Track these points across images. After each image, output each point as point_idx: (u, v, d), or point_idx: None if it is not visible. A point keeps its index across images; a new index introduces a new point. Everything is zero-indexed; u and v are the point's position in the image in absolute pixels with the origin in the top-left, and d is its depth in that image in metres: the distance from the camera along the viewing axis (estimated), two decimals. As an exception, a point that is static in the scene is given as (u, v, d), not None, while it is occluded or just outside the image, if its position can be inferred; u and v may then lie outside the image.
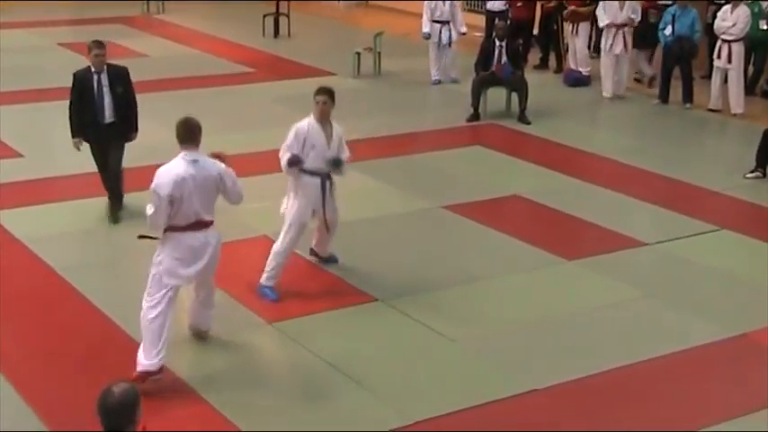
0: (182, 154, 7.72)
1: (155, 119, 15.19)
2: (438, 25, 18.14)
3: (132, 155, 13.78)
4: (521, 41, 18.42)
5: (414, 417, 7.49)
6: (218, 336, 8.57)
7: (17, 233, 10.77)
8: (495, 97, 16.12)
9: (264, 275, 9.34)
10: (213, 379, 7.97)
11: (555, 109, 16.65)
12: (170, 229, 7.74)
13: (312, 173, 9.34)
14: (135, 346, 8.40)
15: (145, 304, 7.82)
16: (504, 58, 15.78)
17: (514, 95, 16.01)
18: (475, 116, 15.83)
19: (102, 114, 11.10)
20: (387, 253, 10.59)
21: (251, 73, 19.10)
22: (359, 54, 18.82)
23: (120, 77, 11.20)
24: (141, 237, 8.13)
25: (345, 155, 9.52)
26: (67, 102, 11.25)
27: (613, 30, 17.25)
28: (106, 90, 11.07)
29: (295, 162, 9.21)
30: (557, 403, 7.76)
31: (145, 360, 7.72)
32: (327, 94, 9.28)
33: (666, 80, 17.03)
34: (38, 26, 23.03)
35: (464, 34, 18.49)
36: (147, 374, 7.68)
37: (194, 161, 7.69)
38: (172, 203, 7.58)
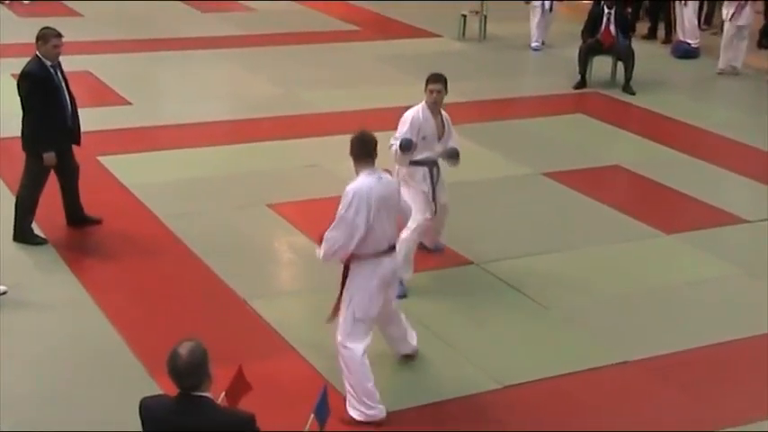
0: (365, 172, 6.91)
1: (259, 74, 15.44)
2: None
3: (237, 107, 14.00)
4: (630, 10, 18.15)
5: (504, 381, 7.54)
6: (313, 289, 8.67)
7: (122, 179, 11.01)
8: (601, 66, 15.94)
9: None
10: (302, 329, 8.09)
11: (661, 80, 16.40)
12: (359, 257, 6.94)
13: (419, 163, 8.84)
14: (233, 295, 8.61)
15: (345, 346, 6.98)
16: (612, 26, 15.58)
17: (620, 65, 15.81)
18: (582, 83, 15.68)
19: (68, 117, 9.45)
20: (484, 217, 10.61)
21: (356, 31, 19.15)
22: (465, 17, 18.75)
23: (63, 72, 9.52)
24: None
25: (456, 144, 9.06)
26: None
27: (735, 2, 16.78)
28: (64, 87, 9.42)
29: (408, 146, 8.59)
30: (648, 376, 7.73)
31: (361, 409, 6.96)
32: (443, 82, 8.76)
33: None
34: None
35: None
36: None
37: (380, 178, 6.94)
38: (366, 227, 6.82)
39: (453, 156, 9.01)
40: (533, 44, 18.24)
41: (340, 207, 6.83)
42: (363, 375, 6.92)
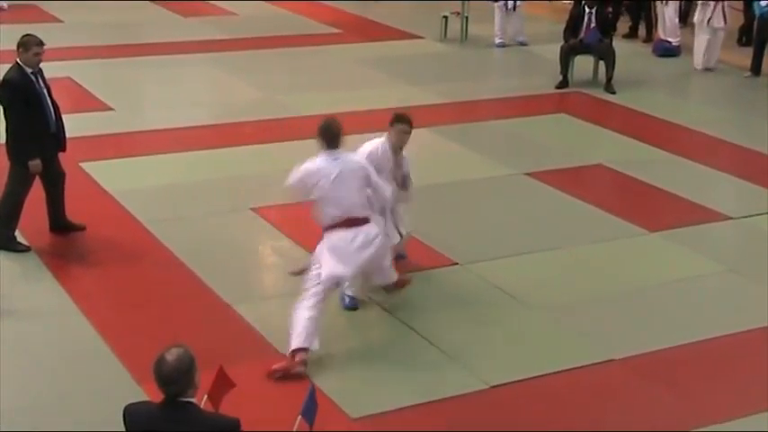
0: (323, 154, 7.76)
1: (241, 78, 15.42)
2: None
3: (219, 111, 13.98)
4: (610, 9, 18.20)
5: (490, 381, 7.54)
6: (297, 292, 8.65)
7: (105, 185, 10.98)
8: (583, 65, 15.97)
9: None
10: (287, 333, 8.02)
11: (642, 79, 16.44)
12: (327, 228, 7.79)
13: None
14: (217, 299, 8.60)
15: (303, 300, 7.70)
16: (593, 26, 15.63)
17: (602, 64, 15.84)
18: (564, 83, 15.71)
19: (51, 123, 9.43)
20: (468, 218, 10.61)
21: (338, 34, 19.13)
22: (446, 18, 18.76)
23: (44, 78, 9.51)
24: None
25: (410, 185, 8.92)
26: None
27: (711, 4, 16.82)
28: (46, 94, 9.40)
29: None
30: (634, 374, 7.74)
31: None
32: (410, 124, 8.61)
33: (760, 52, 16.68)
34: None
35: None
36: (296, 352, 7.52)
37: (336, 159, 7.72)
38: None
39: (404, 184, 8.80)
40: (497, 41, 18.46)
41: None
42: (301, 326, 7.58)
